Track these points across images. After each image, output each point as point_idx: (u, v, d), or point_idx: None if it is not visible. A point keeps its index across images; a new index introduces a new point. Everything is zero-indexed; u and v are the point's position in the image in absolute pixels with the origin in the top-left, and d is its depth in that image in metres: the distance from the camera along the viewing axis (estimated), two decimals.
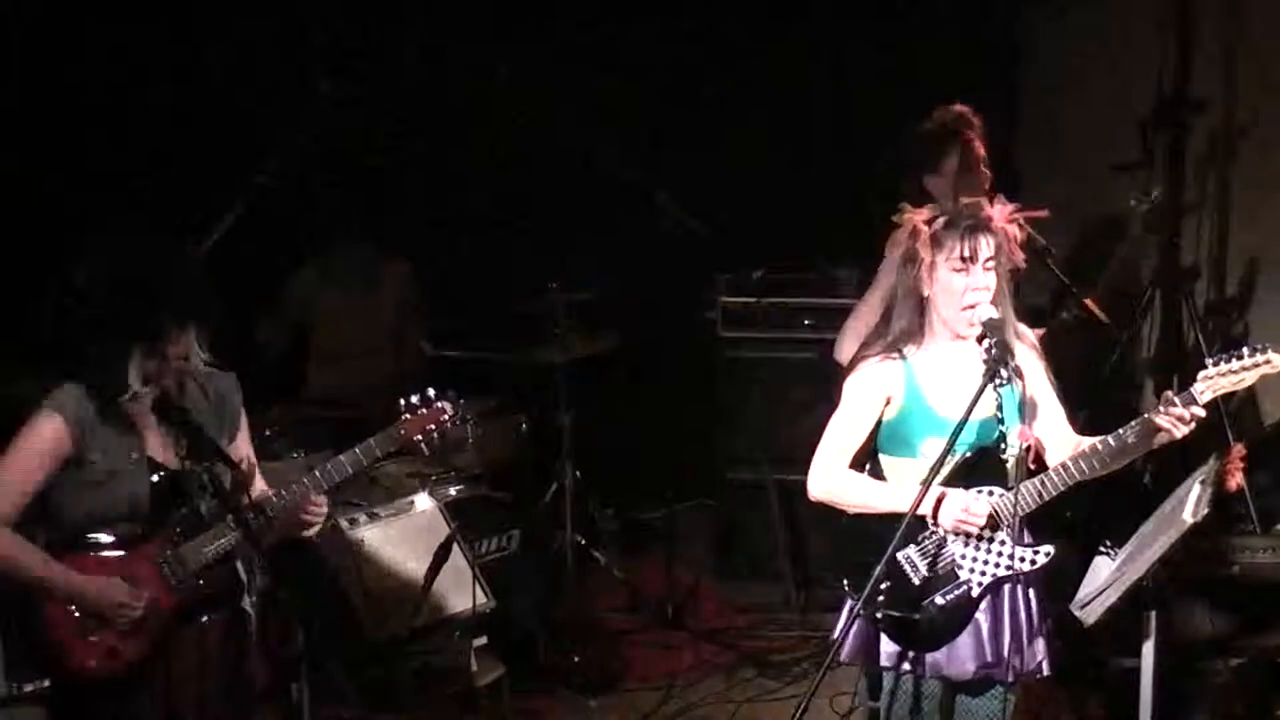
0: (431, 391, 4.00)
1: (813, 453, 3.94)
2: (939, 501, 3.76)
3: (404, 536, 5.31)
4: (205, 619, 3.92)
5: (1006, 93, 6.73)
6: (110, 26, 6.22)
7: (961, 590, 3.82)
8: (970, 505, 3.76)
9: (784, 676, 5.75)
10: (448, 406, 3.99)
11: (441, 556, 4.91)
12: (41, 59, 6.15)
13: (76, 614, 3.79)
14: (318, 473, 3.94)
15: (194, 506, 3.88)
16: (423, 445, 4.03)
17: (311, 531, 4.04)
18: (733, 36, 6.96)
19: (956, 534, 3.80)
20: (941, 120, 5.17)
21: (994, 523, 3.80)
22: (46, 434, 3.78)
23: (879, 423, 3.91)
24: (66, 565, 3.79)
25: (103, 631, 3.80)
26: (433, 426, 3.98)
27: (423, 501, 5.45)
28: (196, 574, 3.87)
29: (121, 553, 3.83)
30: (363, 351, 6.27)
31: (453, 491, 5.63)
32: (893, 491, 3.82)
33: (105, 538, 3.83)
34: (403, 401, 4.01)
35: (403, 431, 3.97)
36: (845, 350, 5.03)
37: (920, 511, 3.72)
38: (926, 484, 3.69)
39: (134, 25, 6.24)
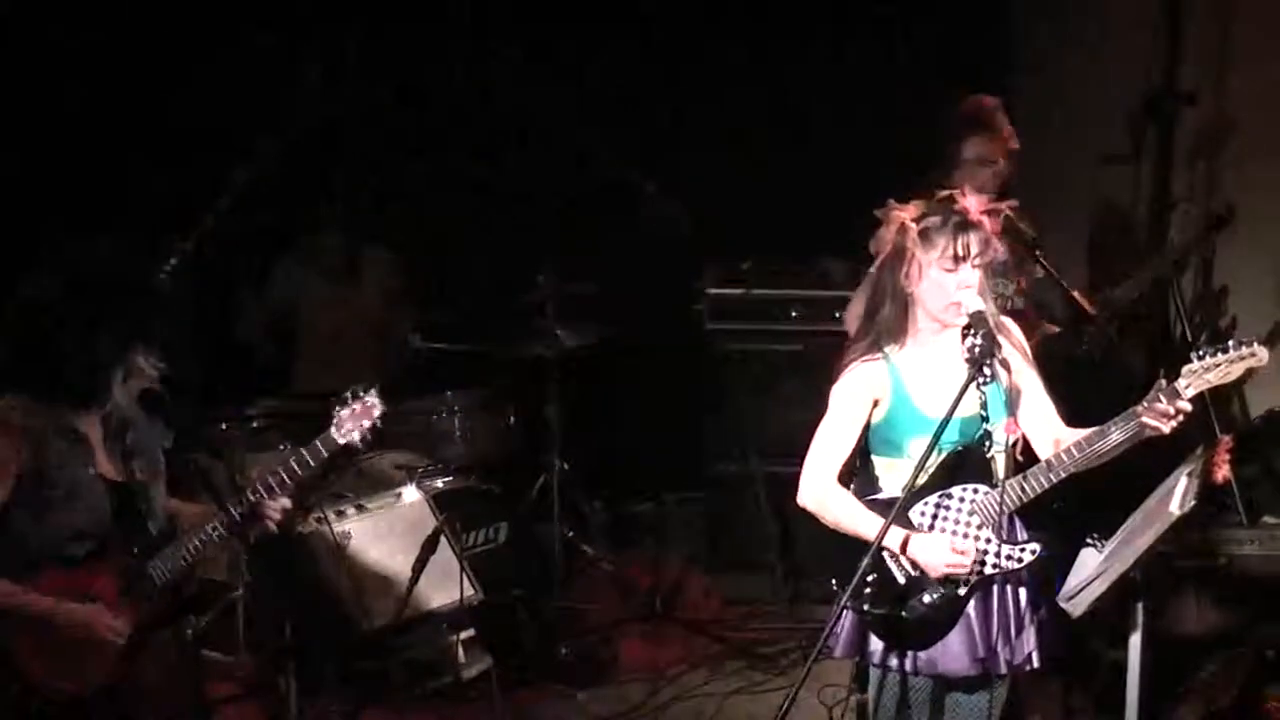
0: (359, 388, 4.00)
1: (801, 445, 3.93)
2: (906, 541, 3.76)
3: (391, 529, 5.31)
4: (164, 633, 3.89)
5: (998, 84, 6.71)
6: (93, 19, 6.22)
7: (949, 588, 3.82)
8: (953, 548, 3.76)
9: (772, 668, 5.75)
10: (377, 401, 3.99)
11: (429, 549, 4.91)
12: (24, 54, 6.14)
13: (48, 640, 3.72)
14: (267, 478, 3.92)
15: (142, 521, 3.84)
16: (359, 442, 4.02)
17: (274, 528, 4.01)
18: (725, 29, 6.95)
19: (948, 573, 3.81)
20: (952, 117, 5.19)
21: (981, 520, 3.80)
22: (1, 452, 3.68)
23: (868, 424, 3.90)
24: (27, 588, 3.71)
25: (73, 654, 3.74)
26: (367, 422, 3.98)
27: (410, 494, 5.45)
28: (161, 589, 3.84)
29: (85, 571, 3.76)
30: (347, 342, 6.27)
31: (440, 484, 5.63)
32: (878, 523, 3.77)
33: (67, 557, 3.75)
34: (334, 401, 4.01)
35: (343, 431, 3.96)
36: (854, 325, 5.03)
37: (891, 544, 3.74)
38: (908, 489, 3.68)
39: (116, 18, 6.24)
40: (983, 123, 5.18)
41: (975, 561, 3.79)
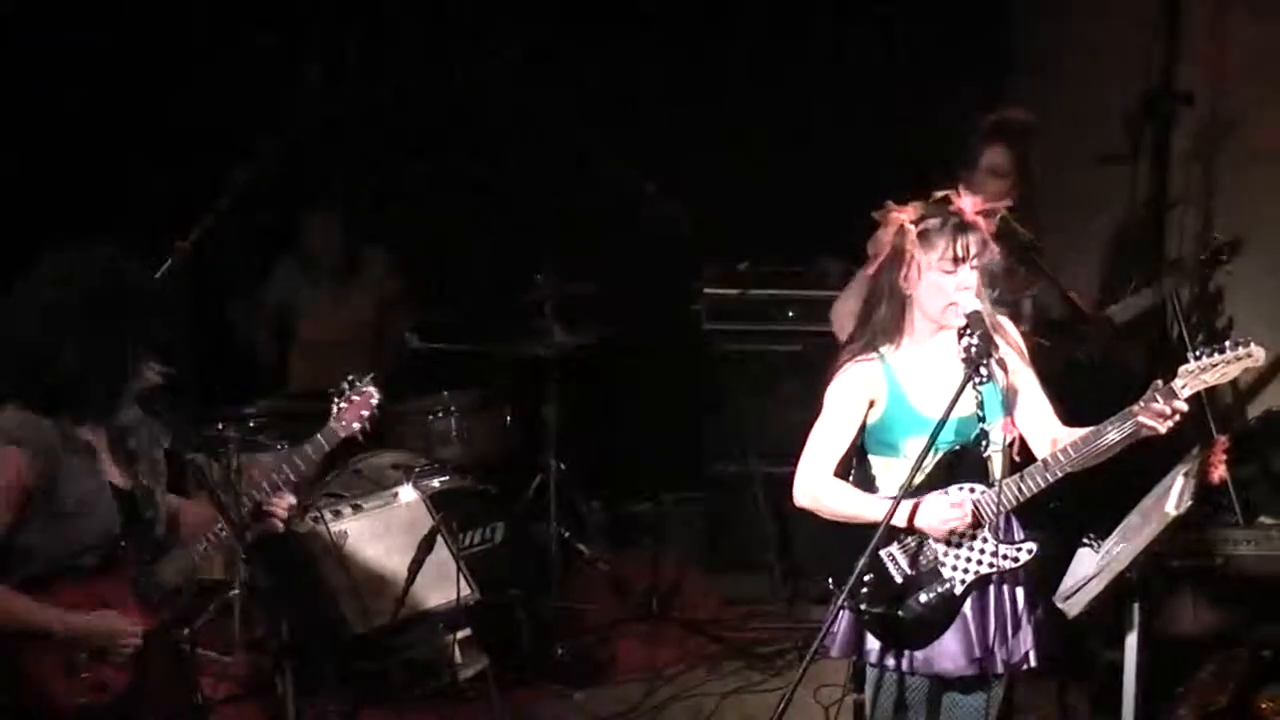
0: (354, 379, 4.02)
1: (800, 445, 3.93)
2: (913, 512, 3.75)
3: (388, 529, 5.30)
4: (169, 636, 3.87)
5: (998, 84, 6.72)
6: (93, 20, 6.22)
7: (945, 588, 3.82)
8: (950, 504, 3.76)
9: (769, 668, 5.74)
10: (374, 390, 4.01)
11: (425, 549, 4.91)
12: (24, 54, 6.14)
13: (63, 653, 3.66)
14: (272, 475, 3.91)
15: (148, 525, 3.81)
16: (360, 433, 4.04)
17: (280, 526, 4.00)
18: (725, 29, 6.95)
19: (948, 539, 3.80)
20: (981, 120, 5.24)
21: (977, 520, 3.80)
22: (10, 468, 3.59)
23: (864, 425, 3.90)
24: (40, 601, 3.65)
25: (93, 666, 3.70)
26: (366, 412, 4.00)
27: (407, 494, 5.44)
28: (170, 593, 3.81)
29: (94, 581, 3.71)
30: (343, 342, 6.28)
31: (437, 483, 5.62)
32: (876, 503, 3.79)
33: (76, 568, 3.69)
34: (333, 393, 4.01)
35: (344, 423, 3.98)
36: (841, 323, 5.04)
37: (896, 523, 3.71)
38: (903, 489, 3.66)
39: (117, 19, 6.24)
40: (1007, 137, 5.20)
41: (976, 523, 3.78)
